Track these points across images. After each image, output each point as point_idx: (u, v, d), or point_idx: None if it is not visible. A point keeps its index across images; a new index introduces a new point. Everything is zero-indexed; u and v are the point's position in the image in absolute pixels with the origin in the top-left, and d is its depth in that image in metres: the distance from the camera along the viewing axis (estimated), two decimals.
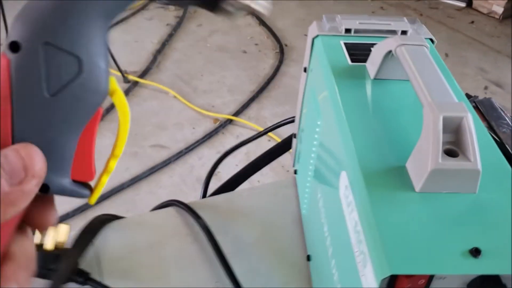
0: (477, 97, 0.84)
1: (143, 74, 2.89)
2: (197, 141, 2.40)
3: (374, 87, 0.60)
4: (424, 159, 0.46)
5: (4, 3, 2.57)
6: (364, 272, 0.44)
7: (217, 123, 2.54)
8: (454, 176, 0.46)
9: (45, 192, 0.30)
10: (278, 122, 1.00)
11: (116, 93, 0.31)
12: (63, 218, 1.94)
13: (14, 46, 0.27)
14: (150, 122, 2.53)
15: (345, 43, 0.67)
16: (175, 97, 2.71)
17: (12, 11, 3.15)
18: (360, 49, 0.66)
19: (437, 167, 0.45)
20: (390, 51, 0.57)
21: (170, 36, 3.30)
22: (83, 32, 0.28)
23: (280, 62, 3.05)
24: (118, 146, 0.33)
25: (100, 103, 0.30)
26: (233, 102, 2.68)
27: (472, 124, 0.46)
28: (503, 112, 0.81)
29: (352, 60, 0.64)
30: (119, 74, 2.80)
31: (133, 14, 3.55)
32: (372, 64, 0.61)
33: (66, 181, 0.30)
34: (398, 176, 0.48)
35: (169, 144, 2.39)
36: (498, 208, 0.46)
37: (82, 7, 0.28)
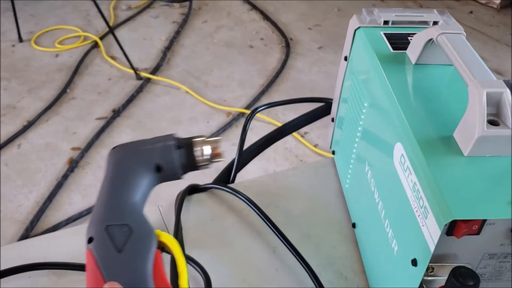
0: None
1: (154, 71, 2.98)
2: (212, 134, 2.49)
3: (416, 71, 0.69)
4: (471, 128, 0.55)
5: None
6: (425, 223, 0.53)
7: (230, 117, 2.63)
8: (496, 142, 0.55)
9: None
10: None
11: (162, 236, 0.44)
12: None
13: (90, 240, 0.42)
14: (165, 117, 2.62)
15: (384, 33, 0.76)
16: (187, 92, 2.80)
17: (20, 12, 3.23)
18: (399, 38, 0.75)
19: (483, 134, 0.54)
20: (430, 39, 0.66)
21: (177, 33, 3.39)
22: (128, 210, 0.43)
23: (287, 56, 3.14)
24: (181, 278, 0.45)
25: (154, 247, 0.43)
26: (244, 96, 2.77)
27: (510, 97, 0.55)
28: None
29: (394, 48, 0.73)
30: (131, 71, 2.88)
31: (139, 12, 3.63)
32: (412, 51, 0.70)
33: None
34: (448, 143, 0.57)
35: None
36: None
37: (126, 197, 0.44)
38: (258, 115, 2.52)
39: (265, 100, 2.75)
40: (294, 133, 2.44)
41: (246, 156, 1.03)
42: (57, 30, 3.40)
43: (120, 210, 0.43)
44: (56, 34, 3.35)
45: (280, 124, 1.13)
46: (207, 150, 0.47)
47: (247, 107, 2.68)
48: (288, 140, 2.44)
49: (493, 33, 3.47)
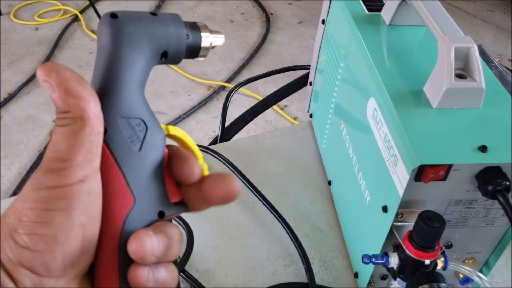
0: None
1: None
2: (194, 107, 2.50)
3: (390, 31, 0.72)
4: (439, 81, 0.58)
5: None
6: (395, 170, 0.56)
7: (211, 90, 2.65)
8: (463, 94, 0.58)
9: (162, 217, 0.39)
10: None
11: (170, 129, 0.42)
12: None
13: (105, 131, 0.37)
14: (146, 90, 2.54)
15: None
16: (168, 66, 2.81)
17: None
18: (374, 0, 0.78)
19: (451, 86, 0.57)
20: (403, 0, 0.69)
21: (158, 7, 3.38)
22: (138, 101, 0.39)
23: (267, 30, 3.15)
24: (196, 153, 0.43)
25: (165, 144, 0.40)
26: (225, 70, 2.79)
27: (477, 52, 0.58)
28: (491, 57, 0.94)
29: (369, 10, 0.76)
30: None
31: None
32: (387, 13, 0.73)
33: (171, 206, 0.40)
34: (418, 97, 0.60)
35: (167, 110, 2.49)
36: (497, 118, 0.58)
37: (132, 84, 0.39)
38: (239, 89, 2.55)
39: (245, 73, 2.77)
40: (275, 106, 2.47)
41: (231, 130, 1.06)
42: (37, 3, 3.37)
43: (131, 100, 0.38)
44: (36, 8, 3.32)
45: (260, 98, 1.16)
46: (210, 42, 0.43)
47: (228, 81, 2.70)
48: (269, 113, 2.47)
49: (470, 8, 3.51)
